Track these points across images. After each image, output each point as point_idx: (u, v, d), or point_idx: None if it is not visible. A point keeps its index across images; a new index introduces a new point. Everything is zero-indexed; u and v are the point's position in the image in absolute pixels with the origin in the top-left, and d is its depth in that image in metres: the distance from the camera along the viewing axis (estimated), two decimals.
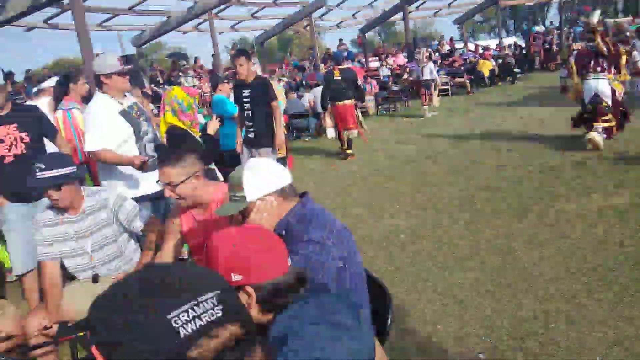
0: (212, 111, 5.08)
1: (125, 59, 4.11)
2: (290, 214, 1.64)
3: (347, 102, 7.86)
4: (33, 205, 3.32)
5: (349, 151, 8.03)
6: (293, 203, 1.67)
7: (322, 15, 20.14)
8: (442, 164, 6.92)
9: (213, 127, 3.52)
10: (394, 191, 5.87)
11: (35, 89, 5.72)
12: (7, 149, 3.18)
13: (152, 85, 10.54)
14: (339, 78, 7.82)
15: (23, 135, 3.22)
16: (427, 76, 12.24)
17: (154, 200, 3.46)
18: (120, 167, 3.44)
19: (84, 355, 2.42)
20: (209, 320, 0.64)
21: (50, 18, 13.11)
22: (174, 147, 3.40)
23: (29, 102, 5.37)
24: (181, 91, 3.40)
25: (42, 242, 2.66)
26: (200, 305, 0.65)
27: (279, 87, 6.20)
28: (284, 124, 6.55)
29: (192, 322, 0.63)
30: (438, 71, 14.13)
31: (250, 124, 5.02)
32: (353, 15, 21.76)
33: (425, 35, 30.45)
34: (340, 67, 8.05)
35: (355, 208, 5.40)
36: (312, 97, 11.25)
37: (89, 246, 2.69)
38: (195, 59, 16.76)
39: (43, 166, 2.49)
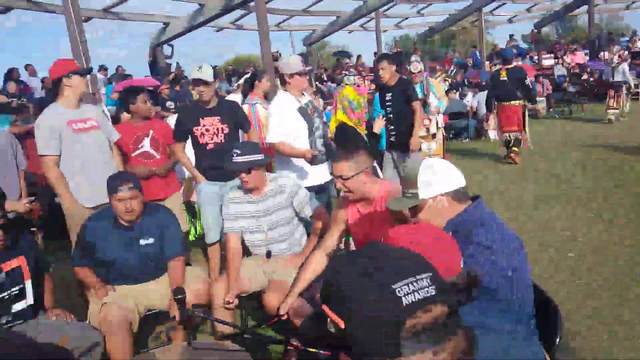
0: (373, 109, 5.23)
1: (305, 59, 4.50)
2: (460, 216, 1.68)
3: (514, 103, 7.45)
4: (223, 185, 3.82)
5: (515, 149, 7.61)
6: (464, 205, 1.71)
7: (493, 10, 19.13)
8: (616, 176, 6.16)
9: (379, 126, 3.67)
10: (563, 199, 5.41)
11: (234, 85, 6.55)
12: (210, 137, 3.74)
13: (317, 83, 11.21)
14: (505, 79, 7.45)
15: (224, 126, 3.74)
16: (618, 78, 10.88)
17: (319, 191, 3.75)
18: (293, 159, 3.80)
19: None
20: (425, 295, 0.75)
21: (237, 20, 14.75)
22: (342, 142, 3.64)
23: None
24: (353, 91, 3.62)
25: (229, 216, 3.08)
26: (418, 281, 0.76)
27: (442, 87, 6.10)
28: (443, 125, 6.45)
29: (412, 294, 0.74)
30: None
31: (392, 127, 5.06)
32: (528, 9, 20.23)
33: (613, 29, 26.88)
34: (508, 66, 7.63)
35: (520, 214, 5.12)
36: (475, 102, 10.80)
37: (266, 225, 3.04)
38: (358, 57, 17.27)
39: (239, 152, 2.90)
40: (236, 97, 5.06)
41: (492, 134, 9.35)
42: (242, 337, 2.51)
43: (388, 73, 4.74)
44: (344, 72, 14.20)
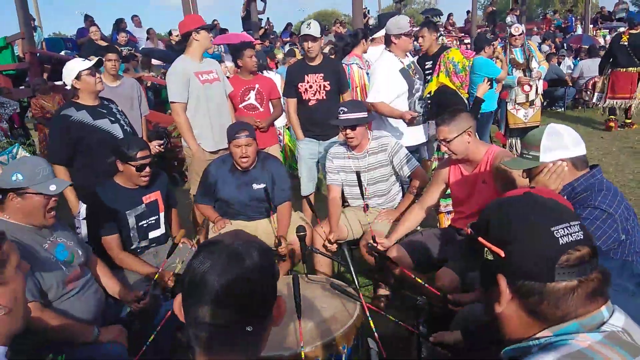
0: (474, 72, 5.14)
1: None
2: (577, 181, 1.77)
3: (631, 69, 7.20)
4: (320, 144, 4.06)
5: (627, 120, 7.53)
6: (582, 172, 1.79)
7: None
8: None
9: (483, 89, 3.68)
10: None
11: None
12: (313, 94, 3.95)
13: None
14: (626, 43, 7.12)
15: (326, 83, 3.94)
16: None
17: (412, 152, 3.87)
18: (390, 119, 3.93)
19: None
20: (576, 238, 0.92)
21: None
22: (442, 105, 3.70)
23: None
24: (459, 53, 3.64)
25: (332, 169, 3.31)
26: (571, 227, 0.93)
27: (536, 51, 5.79)
28: (542, 92, 6.22)
29: (567, 236, 0.92)
30: None
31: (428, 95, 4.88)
32: None
33: None
34: (631, 31, 7.22)
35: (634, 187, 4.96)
36: (578, 70, 10.06)
37: (366, 180, 3.24)
38: (449, 15, 16.57)
39: (346, 109, 3.08)
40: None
41: (597, 96, 8.87)
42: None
43: (428, 41, 4.51)
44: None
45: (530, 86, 5.63)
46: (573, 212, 0.98)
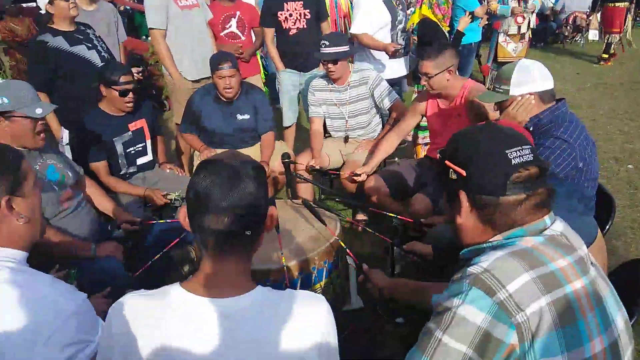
0: (455, 4, 5.13)
1: None
2: (543, 113, 1.91)
3: (619, 4, 7.47)
4: (302, 75, 4.07)
5: (604, 55, 7.86)
6: (549, 105, 1.93)
7: None
8: None
9: (464, 23, 3.72)
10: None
11: None
12: (293, 22, 3.92)
13: None
14: None
15: (306, 12, 3.89)
16: None
17: (392, 85, 3.94)
18: (372, 51, 3.95)
19: None
20: (526, 160, 1.08)
21: None
22: (424, 38, 3.74)
23: None
24: None
25: (314, 102, 3.39)
26: (523, 149, 1.09)
27: None
28: (534, 26, 6.32)
29: (519, 157, 1.08)
30: None
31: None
32: None
33: None
34: None
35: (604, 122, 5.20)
36: (559, 5, 9.95)
37: (347, 113, 3.34)
38: None
39: (327, 43, 3.10)
40: None
41: (593, 33, 8.96)
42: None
43: None
44: None
45: (524, 18, 5.65)
46: (526, 138, 1.13)
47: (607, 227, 1.95)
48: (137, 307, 0.99)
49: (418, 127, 3.55)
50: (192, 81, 3.68)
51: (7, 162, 1.18)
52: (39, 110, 2.11)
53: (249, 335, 0.97)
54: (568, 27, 9.52)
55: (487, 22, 5.36)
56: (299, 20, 3.92)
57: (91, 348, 1.11)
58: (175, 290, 1.00)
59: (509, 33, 5.85)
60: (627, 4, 7.56)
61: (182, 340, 0.95)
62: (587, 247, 1.14)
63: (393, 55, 3.79)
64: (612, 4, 7.58)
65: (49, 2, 3.05)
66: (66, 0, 3.06)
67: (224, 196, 0.97)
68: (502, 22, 5.87)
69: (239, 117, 3.22)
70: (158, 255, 2.19)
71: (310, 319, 1.02)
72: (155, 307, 0.99)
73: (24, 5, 7.23)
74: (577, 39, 9.62)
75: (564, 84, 6.86)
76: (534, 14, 5.97)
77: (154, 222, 2.53)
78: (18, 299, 1.05)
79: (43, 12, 3.17)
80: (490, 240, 1.11)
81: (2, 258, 1.13)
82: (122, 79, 2.71)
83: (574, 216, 1.42)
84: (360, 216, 3.44)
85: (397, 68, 4.06)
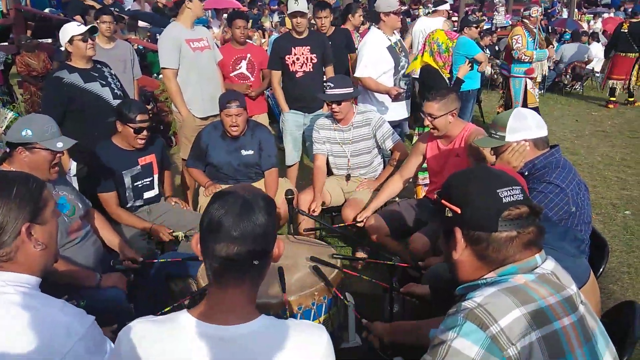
0: (456, 51, 5.33)
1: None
2: (538, 159, 2.00)
3: (630, 55, 8.03)
4: (305, 117, 4.19)
5: (612, 98, 8.35)
6: (543, 151, 2.02)
7: None
8: None
9: (464, 71, 3.87)
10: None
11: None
12: (300, 66, 4.08)
13: None
14: (626, 31, 7.95)
15: (313, 56, 4.07)
16: None
17: (394, 127, 4.06)
18: (376, 94, 4.10)
19: None
20: (516, 199, 1.15)
21: None
22: (426, 83, 3.89)
23: None
24: (443, 34, 3.79)
25: (318, 139, 3.49)
26: (514, 189, 1.16)
27: (527, 37, 5.94)
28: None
29: (509, 197, 1.15)
30: None
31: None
32: None
33: None
34: (634, 20, 8.05)
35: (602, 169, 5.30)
36: (558, 56, 10.19)
37: (349, 152, 3.44)
38: None
39: (332, 84, 3.24)
40: None
41: (600, 76, 9.34)
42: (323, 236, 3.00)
43: (327, 23, 4.58)
44: (420, 7, 13.82)
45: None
46: (517, 180, 1.21)
47: (601, 270, 2.00)
48: (145, 331, 1.04)
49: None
50: (200, 118, 3.81)
51: (30, 190, 1.24)
52: (59, 144, 2.21)
53: None
54: (567, 76, 9.79)
55: (497, 70, 5.54)
56: (306, 64, 4.09)
57: None
58: (183, 317, 1.05)
59: (536, 80, 6.15)
60: (637, 54, 8.04)
61: None
62: (580, 288, 1.19)
63: (396, 98, 3.93)
64: (623, 54, 8.11)
65: (69, 41, 3.21)
66: (84, 41, 3.22)
67: (235, 226, 1.03)
68: (537, 67, 6.11)
69: (244, 152, 3.32)
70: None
71: (311, 348, 1.06)
72: (163, 331, 1.03)
73: (40, 40, 7.50)
74: (576, 87, 9.87)
75: (563, 131, 7.01)
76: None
77: (155, 261, 2.59)
78: (33, 322, 1.10)
79: (62, 49, 3.33)
80: (484, 277, 1.17)
81: (18, 283, 1.18)
82: (139, 117, 2.82)
83: (566, 258, 1.47)
84: (360, 254, 3.48)
85: (399, 110, 4.20)
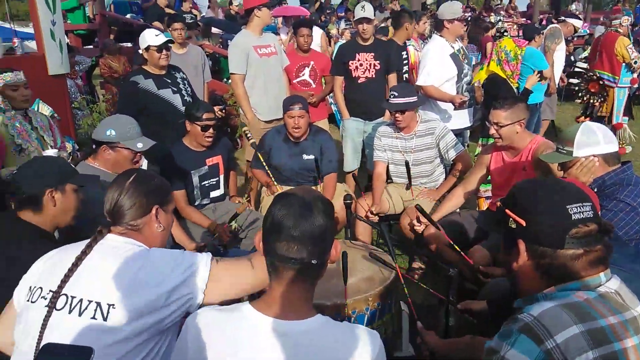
0: (523, 62, 5.15)
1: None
2: (607, 175, 1.91)
3: None
4: (366, 124, 4.22)
5: None
6: (613, 167, 1.93)
7: None
8: None
9: (532, 81, 3.75)
10: None
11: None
12: (362, 72, 4.13)
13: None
14: None
15: (376, 63, 4.10)
16: None
17: (456, 136, 3.99)
18: (439, 102, 4.06)
19: None
20: (586, 216, 1.12)
21: None
22: (491, 92, 3.80)
23: None
24: (511, 43, 3.71)
25: (379, 147, 3.51)
26: (584, 206, 1.13)
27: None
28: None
29: (579, 213, 1.12)
30: None
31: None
32: None
33: None
34: None
35: None
36: None
37: (411, 161, 3.42)
38: None
39: (396, 93, 3.25)
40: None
41: None
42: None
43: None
44: (492, 14, 13.42)
45: None
46: (588, 196, 1.17)
47: None
48: (211, 318, 1.12)
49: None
50: (265, 122, 3.94)
51: (164, 184, 1.60)
52: (139, 145, 2.39)
53: (307, 357, 1.06)
54: None
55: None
56: (369, 70, 4.13)
57: (197, 301, 1.36)
58: (245, 308, 1.12)
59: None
60: None
61: (247, 352, 1.06)
62: None
63: (459, 106, 3.87)
64: None
65: (145, 49, 3.45)
66: (159, 52, 3.45)
67: (295, 226, 1.09)
68: None
69: (305, 157, 3.40)
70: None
71: (364, 352, 1.09)
72: (227, 320, 1.11)
73: (122, 44, 8.04)
74: None
75: (639, 147, 6.54)
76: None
77: (216, 246, 2.76)
78: (157, 255, 1.42)
79: (141, 52, 3.57)
80: (544, 291, 1.15)
81: (139, 246, 1.47)
82: (205, 115, 2.98)
83: (636, 280, 1.41)
84: (417, 264, 3.45)
85: (461, 119, 4.12)
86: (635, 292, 1.16)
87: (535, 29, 5.49)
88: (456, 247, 2.51)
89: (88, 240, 1.44)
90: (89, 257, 1.39)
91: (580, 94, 6.12)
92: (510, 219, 1.18)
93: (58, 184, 1.85)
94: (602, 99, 5.94)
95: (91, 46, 9.36)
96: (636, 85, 5.87)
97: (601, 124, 1.99)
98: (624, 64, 5.64)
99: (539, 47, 5.34)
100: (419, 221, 2.95)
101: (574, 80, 8.30)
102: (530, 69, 4.69)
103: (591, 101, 6.07)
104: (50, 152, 2.92)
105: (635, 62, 5.56)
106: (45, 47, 4.31)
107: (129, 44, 8.64)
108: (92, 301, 1.31)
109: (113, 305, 1.30)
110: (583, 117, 6.11)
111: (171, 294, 1.33)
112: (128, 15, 9.93)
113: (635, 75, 5.66)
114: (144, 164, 3.51)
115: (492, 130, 2.72)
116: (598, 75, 5.94)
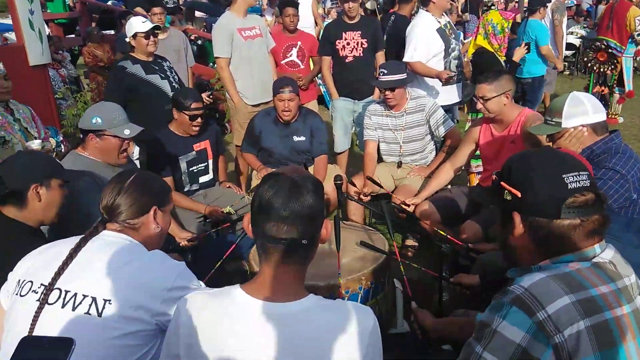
0: (525, 33, 5.08)
1: None
2: (596, 144, 1.91)
3: None
4: (356, 103, 4.19)
5: None
6: (601, 136, 1.92)
7: None
8: None
9: (519, 54, 3.72)
10: None
11: None
12: (350, 50, 4.07)
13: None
14: None
15: (363, 41, 4.04)
16: None
17: (445, 111, 3.97)
18: (426, 78, 4.01)
19: None
20: (582, 185, 1.11)
21: None
22: (480, 67, 3.77)
23: None
24: (498, 15, 3.66)
25: (370, 125, 3.48)
26: (580, 175, 1.12)
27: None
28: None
29: (575, 182, 1.10)
30: None
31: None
32: None
33: None
34: None
35: None
36: None
37: (402, 138, 3.41)
38: None
39: (385, 71, 3.21)
40: None
41: None
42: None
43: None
44: None
45: None
46: (584, 165, 1.15)
47: None
48: (202, 302, 1.11)
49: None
50: (252, 105, 3.90)
51: (164, 187, 1.63)
52: (127, 132, 2.34)
53: (299, 338, 1.05)
54: (638, 58, 9.14)
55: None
56: (356, 48, 4.07)
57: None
58: (235, 291, 1.11)
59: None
60: None
61: (239, 335, 1.05)
62: None
63: (446, 82, 3.83)
64: None
65: (133, 36, 3.39)
66: (147, 38, 3.39)
67: (285, 206, 1.07)
68: None
69: (295, 138, 3.37)
70: (218, 263, 2.33)
71: (359, 329, 1.08)
72: (218, 305, 1.10)
73: (104, 32, 7.88)
74: None
75: (631, 117, 6.57)
76: None
77: (208, 233, 2.74)
78: (150, 258, 1.42)
79: (127, 40, 3.51)
80: (539, 264, 1.14)
81: (136, 244, 1.47)
82: (194, 105, 2.94)
83: (631, 250, 1.41)
84: (410, 242, 3.46)
85: (450, 95, 4.08)
86: (628, 261, 1.16)
87: (542, 0, 5.41)
88: (441, 232, 2.52)
89: (82, 235, 1.42)
90: (84, 251, 1.37)
91: (589, 64, 6.10)
92: (506, 191, 1.16)
93: (43, 179, 1.82)
94: (612, 66, 5.97)
95: (73, 35, 9.17)
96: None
97: (588, 94, 1.98)
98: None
99: (542, 20, 5.29)
100: (406, 205, 2.95)
101: (568, 52, 8.28)
102: (532, 42, 4.66)
103: (601, 70, 6.06)
104: (35, 143, 2.87)
105: (638, 35, 5.55)
106: (25, 37, 4.20)
107: (112, 32, 8.48)
108: (87, 296, 1.30)
109: (109, 300, 1.29)
110: (599, 86, 6.12)
111: (170, 293, 1.33)
112: (109, 2, 9.72)
113: (638, 47, 5.67)
114: (135, 150, 3.47)
115: (479, 105, 2.70)
116: (606, 43, 5.93)
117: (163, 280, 1.35)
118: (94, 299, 1.29)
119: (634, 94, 6.07)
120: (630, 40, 5.72)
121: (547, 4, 5.25)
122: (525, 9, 6.53)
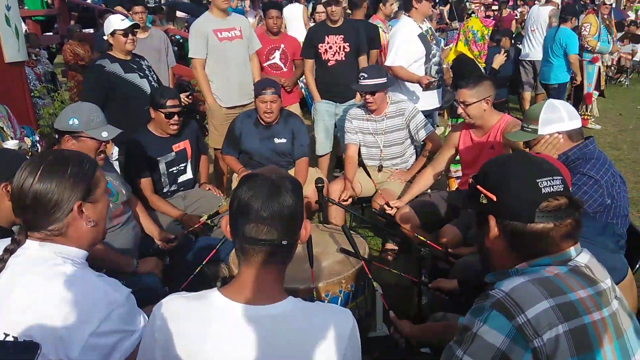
0: (553, 40, 5.24)
1: None
2: (571, 150, 1.95)
3: None
4: (337, 106, 4.20)
5: None
6: (576, 143, 1.96)
7: None
8: None
9: (499, 61, 3.78)
10: None
11: None
12: (332, 54, 4.09)
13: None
14: None
15: (345, 45, 4.06)
16: None
17: (426, 116, 4.01)
18: (407, 83, 4.05)
19: None
20: (556, 190, 1.12)
21: None
22: (458, 73, 3.82)
23: None
24: (478, 22, 3.72)
25: (350, 129, 3.49)
26: (553, 180, 1.13)
27: (601, 26, 5.99)
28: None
29: (549, 187, 1.12)
30: None
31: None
32: None
33: None
34: None
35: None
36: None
37: (382, 142, 3.43)
38: None
39: (366, 75, 3.23)
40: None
41: None
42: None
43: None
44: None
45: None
46: (558, 169, 1.17)
47: (637, 266, 1.94)
48: (178, 307, 1.09)
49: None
50: (227, 108, 3.88)
51: (84, 170, 1.30)
52: (104, 134, 2.28)
53: (279, 341, 1.04)
54: (612, 68, 9.42)
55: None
56: (338, 52, 4.09)
57: (135, 337, 1.21)
58: (214, 295, 1.09)
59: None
60: None
61: (217, 339, 1.04)
62: (617, 284, 1.16)
63: (427, 87, 3.87)
64: None
65: (111, 34, 3.34)
66: (125, 36, 3.35)
67: (264, 207, 1.06)
68: (601, 57, 6.16)
69: (276, 140, 3.36)
70: (198, 268, 2.30)
71: (338, 331, 1.08)
72: (195, 308, 1.08)
73: (84, 30, 7.75)
74: (621, 80, 9.50)
75: (606, 125, 6.74)
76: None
77: (185, 232, 2.73)
78: (77, 291, 1.18)
79: (105, 38, 3.45)
80: (516, 267, 1.15)
81: (67, 255, 1.26)
82: (169, 102, 2.90)
83: (604, 253, 1.44)
84: (390, 246, 3.48)
85: (430, 100, 4.13)
86: (603, 264, 1.18)
87: (573, 10, 5.54)
88: (420, 237, 2.54)
89: (0, 253, 1.22)
90: (5, 273, 1.19)
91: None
92: (482, 194, 1.18)
93: (13, 177, 1.75)
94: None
95: (51, 33, 8.99)
96: (598, 63, 6.07)
97: (564, 101, 2.02)
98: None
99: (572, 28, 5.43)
100: (389, 206, 2.96)
101: None
102: (561, 50, 4.79)
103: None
104: (11, 143, 2.80)
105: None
106: (1, 33, 4.11)
107: (91, 30, 8.34)
108: (8, 335, 1.13)
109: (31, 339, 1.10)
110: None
111: (92, 339, 1.15)
112: (89, 0, 9.57)
113: (595, 55, 5.86)
114: (115, 150, 3.42)
115: (460, 110, 2.74)
116: None
117: (84, 324, 1.14)
118: (15, 339, 1.13)
119: (591, 97, 6.30)
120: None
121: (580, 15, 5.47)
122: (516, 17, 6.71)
